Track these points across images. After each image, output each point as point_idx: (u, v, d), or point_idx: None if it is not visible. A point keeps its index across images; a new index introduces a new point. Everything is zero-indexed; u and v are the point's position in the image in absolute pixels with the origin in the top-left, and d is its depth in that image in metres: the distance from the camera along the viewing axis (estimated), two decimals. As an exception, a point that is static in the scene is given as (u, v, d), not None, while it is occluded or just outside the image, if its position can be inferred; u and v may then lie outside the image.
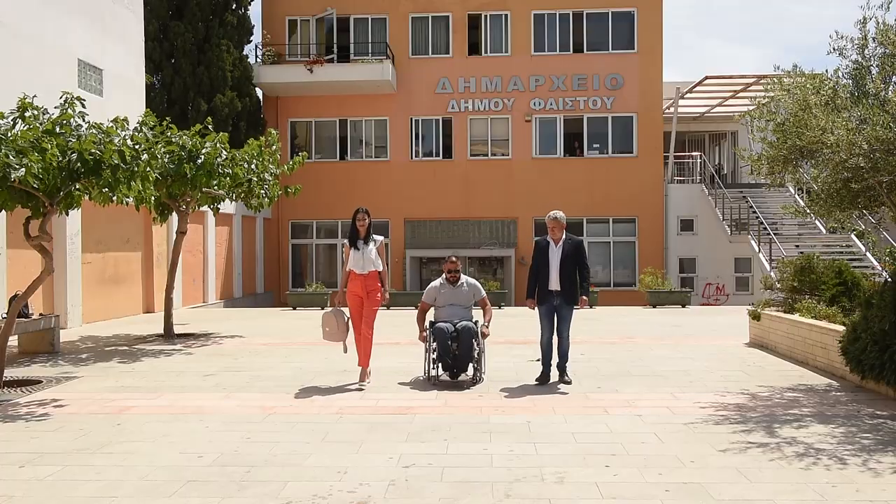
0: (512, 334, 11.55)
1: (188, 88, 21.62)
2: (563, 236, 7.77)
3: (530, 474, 4.82)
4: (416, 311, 8.29)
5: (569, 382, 7.79)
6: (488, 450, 5.39)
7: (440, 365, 7.85)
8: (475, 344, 7.79)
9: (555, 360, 7.91)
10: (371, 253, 7.69)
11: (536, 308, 7.86)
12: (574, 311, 7.84)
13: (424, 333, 7.96)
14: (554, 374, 7.93)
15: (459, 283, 8.08)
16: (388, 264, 8.36)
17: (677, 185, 24.53)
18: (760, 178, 10.51)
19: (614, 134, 23.90)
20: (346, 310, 7.91)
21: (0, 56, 12.54)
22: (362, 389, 7.61)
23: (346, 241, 7.90)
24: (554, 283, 7.68)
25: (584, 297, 7.79)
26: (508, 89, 23.85)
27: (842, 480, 4.65)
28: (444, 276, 8.16)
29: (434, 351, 7.83)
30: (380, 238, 7.87)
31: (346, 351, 8.17)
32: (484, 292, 8.29)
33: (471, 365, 7.85)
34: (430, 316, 8.16)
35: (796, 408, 6.67)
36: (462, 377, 7.86)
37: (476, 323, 7.91)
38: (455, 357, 7.73)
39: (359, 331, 7.80)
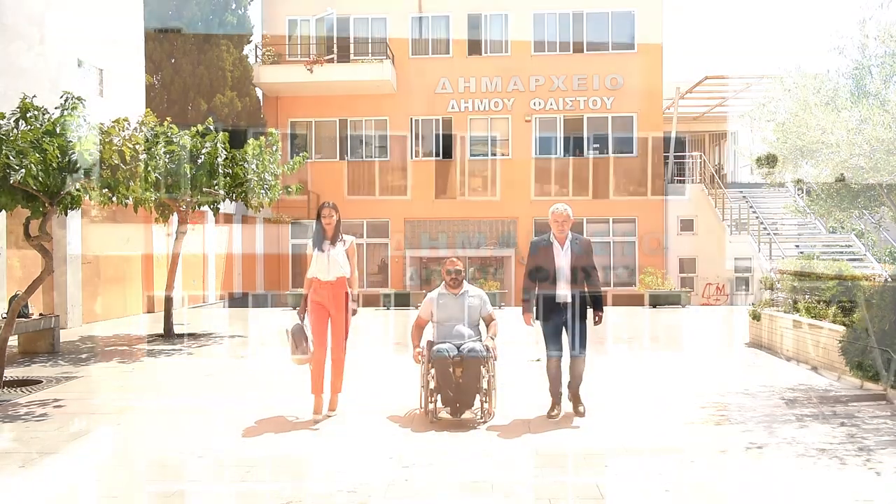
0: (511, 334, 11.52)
1: (188, 88, 21.62)
2: (570, 235, 6.43)
3: (530, 474, 4.82)
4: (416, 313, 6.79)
5: (583, 414, 6.32)
6: (489, 450, 5.39)
7: (439, 397, 6.28)
8: (484, 372, 6.19)
9: (565, 381, 6.47)
10: (339, 255, 6.40)
11: (539, 325, 6.36)
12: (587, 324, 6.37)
13: (419, 351, 6.40)
14: (565, 404, 6.52)
15: (463, 289, 6.57)
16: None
17: (677, 185, 24.52)
18: (760, 178, 10.52)
19: (614, 134, 23.91)
20: (308, 324, 6.49)
21: (0, 56, 12.54)
22: (330, 416, 6.41)
23: (309, 241, 6.59)
24: (563, 294, 6.22)
25: (601, 312, 6.40)
26: (508, 89, 23.84)
27: (842, 480, 4.65)
28: (442, 283, 6.67)
29: (433, 379, 6.22)
30: (350, 238, 6.60)
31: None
32: (491, 306, 6.75)
33: (477, 398, 6.26)
34: (429, 335, 6.61)
35: (796, 408, 6.68)
36: (467, 414, 6.26)
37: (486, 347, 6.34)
38: (458, 388, 6.12)
39: (323, 349, 6.43)
